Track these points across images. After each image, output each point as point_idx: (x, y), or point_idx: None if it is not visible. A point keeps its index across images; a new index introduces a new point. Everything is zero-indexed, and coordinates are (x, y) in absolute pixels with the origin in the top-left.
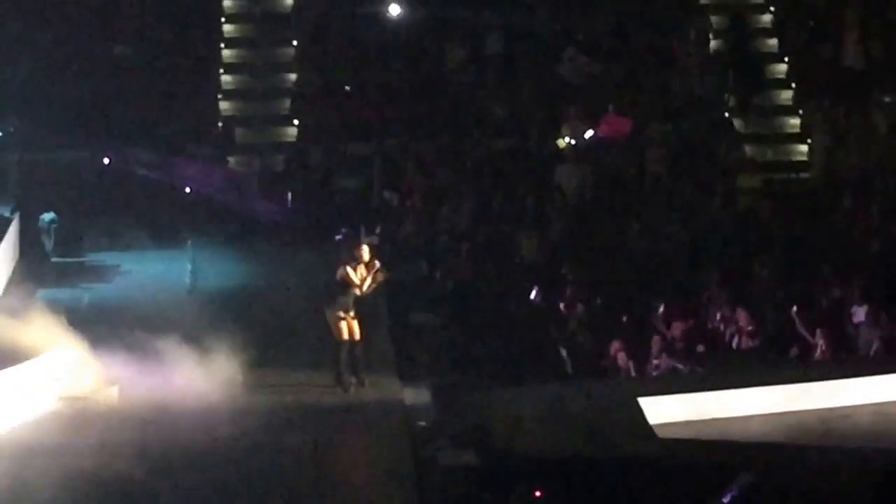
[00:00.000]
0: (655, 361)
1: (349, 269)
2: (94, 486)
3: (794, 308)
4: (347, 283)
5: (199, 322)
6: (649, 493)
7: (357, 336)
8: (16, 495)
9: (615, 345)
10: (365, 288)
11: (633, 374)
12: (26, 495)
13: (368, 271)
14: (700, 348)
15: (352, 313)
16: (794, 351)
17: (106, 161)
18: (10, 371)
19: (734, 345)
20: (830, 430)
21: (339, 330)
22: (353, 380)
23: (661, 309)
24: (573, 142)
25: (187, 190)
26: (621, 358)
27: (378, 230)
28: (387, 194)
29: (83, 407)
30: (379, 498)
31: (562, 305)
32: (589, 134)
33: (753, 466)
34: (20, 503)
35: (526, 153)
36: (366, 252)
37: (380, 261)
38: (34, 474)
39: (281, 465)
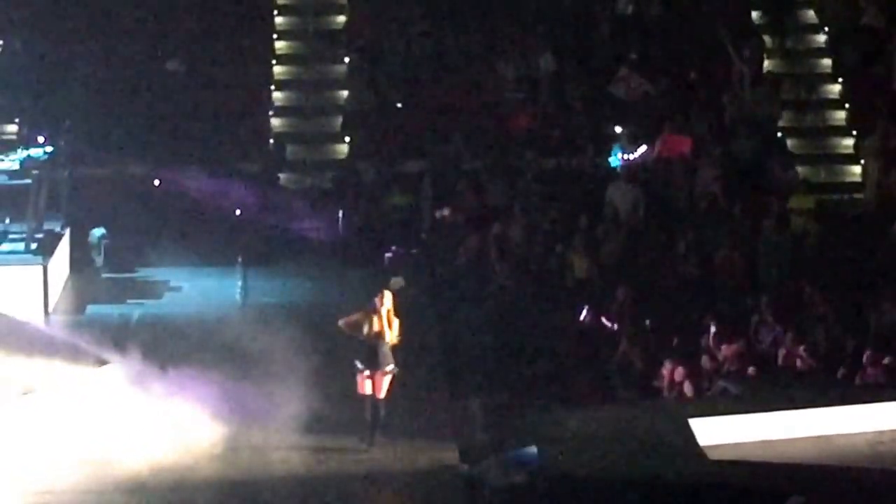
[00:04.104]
0: (707, 383)
1: (364, 320)
2: None
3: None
4: (367, 335)
5: (248, 341)
6: None
7: (380, 394)
8: None
9: (668, 365)
10: (388, 338)
11: (690, 394)
12: None
13: (389, 320)
14: (751, 370)
15: (387, 367)
16: (841, 372)
17: (157, 183)
18: (62, 388)
19: (785, 367)
20: (880, 453)
21: (363, 385)
22: (366, 440)
23: (713, 330)
24: (629, 157)
25: (238, 206)
26: (679, 376)
27: (420, 250)
28: (437, 212)
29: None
30: None
31: (611, 324)
32: (642, 150)
33: (803, 489)
34: None
35: (578, 172)
36: (387, 299)
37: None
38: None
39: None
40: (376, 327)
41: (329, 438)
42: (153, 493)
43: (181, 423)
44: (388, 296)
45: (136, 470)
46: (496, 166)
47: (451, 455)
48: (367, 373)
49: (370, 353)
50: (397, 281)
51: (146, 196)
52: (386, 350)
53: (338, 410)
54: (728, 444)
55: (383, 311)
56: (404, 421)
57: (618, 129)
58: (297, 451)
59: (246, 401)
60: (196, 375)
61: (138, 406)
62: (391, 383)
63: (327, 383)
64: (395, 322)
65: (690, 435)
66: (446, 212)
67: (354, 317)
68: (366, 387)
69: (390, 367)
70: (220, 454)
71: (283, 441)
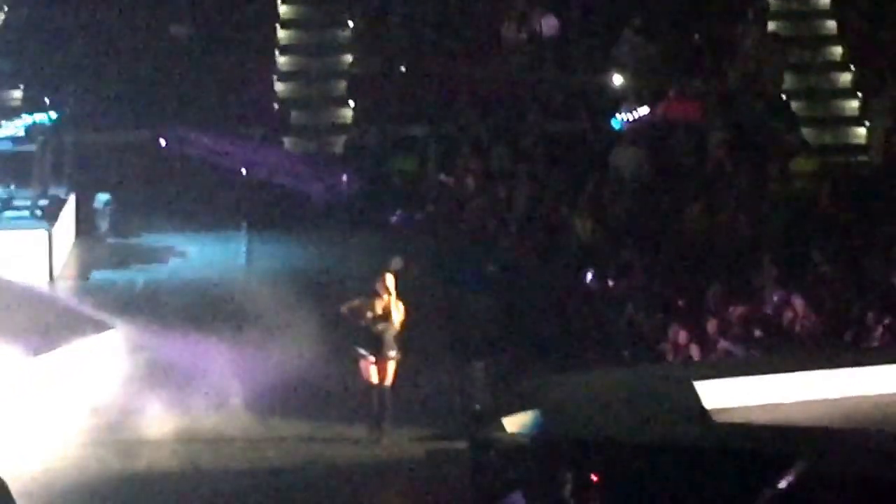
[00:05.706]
0: (712, 345)
1: (368, 303)
2: None
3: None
4: (370, 319)
5: (253, 307)
6: (704, 478)
7: (388, 381)
8: None
9: (674, 328)
10: (395, 322)
11: (695, 357)
12: None
13: (393, 303)
14: (757, 332)
15: (391, 353)
16: (848, 334)
17: (162, 142)
18: (65, 349)
19: (791, 329)
20: (887, 416)
21: (368, 373)
22: (376, 431)
23: (718, 293)
24: (631, 117)
25: (243, 171)
26: (684, 339)
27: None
28: (442, 176)
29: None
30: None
31: (615, 286)
32: (644, 111)
33: (809, 452)
34: None
35: (582, 135)
36: (389, 283)
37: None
38: None
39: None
40: (379, 312)
41: (333, 417)
42: (156, 466)
43: (185, 392)
44: (389, 279)
45: (140, 439)
46: (500, 130)
47: (455, 421)
48: (371, 359)
49: (373, 339)
50: (397, 261)
51: (151, 162)
52: (389, 336)
53: (343, 384)
54: (734, 408)
55: (386, 297)
56: (408, 386)
57: (621, 92)
58: (298, 420)
59: (250, 371)
60: (200, 342)
61: (141, 372)
62: (396, 370)
63: (333, 353)
64: (400, 306)
65: (696, 398)
66: (449, 176)
67: (356, 302)
68: (371, 374)
69: (394, 352)
70: (224, 427)
71: (286, 414)
